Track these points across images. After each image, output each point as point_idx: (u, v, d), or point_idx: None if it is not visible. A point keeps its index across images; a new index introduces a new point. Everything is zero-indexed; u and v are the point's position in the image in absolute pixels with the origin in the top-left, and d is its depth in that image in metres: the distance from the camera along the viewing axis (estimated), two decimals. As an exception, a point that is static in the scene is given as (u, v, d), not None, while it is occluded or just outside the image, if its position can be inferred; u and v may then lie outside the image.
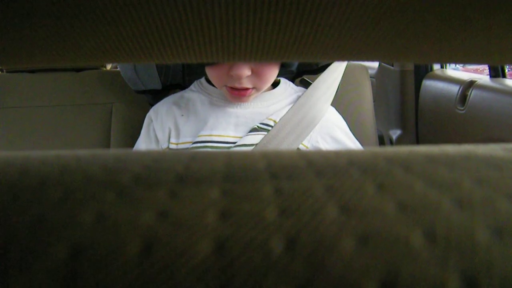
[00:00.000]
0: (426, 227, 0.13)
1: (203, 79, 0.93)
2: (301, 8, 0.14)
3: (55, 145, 1.11)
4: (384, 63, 1.72)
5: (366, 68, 1.34)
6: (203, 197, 0.14)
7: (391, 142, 1.63)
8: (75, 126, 1.12)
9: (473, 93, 1.18)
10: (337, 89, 1.04)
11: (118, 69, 1.11)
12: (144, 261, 0.11)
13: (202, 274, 0.11)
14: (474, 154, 0.19)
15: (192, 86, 0.94)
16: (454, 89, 1.25)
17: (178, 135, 0.87)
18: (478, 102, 1.16)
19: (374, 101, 1.92)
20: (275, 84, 0.92)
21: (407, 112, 1.55)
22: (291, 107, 0.87)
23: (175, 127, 0.88)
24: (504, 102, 1.05)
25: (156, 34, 0.15)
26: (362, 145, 1.18)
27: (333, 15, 0.14)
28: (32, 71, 1.17)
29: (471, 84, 1.20)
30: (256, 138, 0.83)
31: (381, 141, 1.68)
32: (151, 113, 0.93)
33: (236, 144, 0.83)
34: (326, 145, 0.89)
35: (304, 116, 0.88)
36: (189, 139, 0.85)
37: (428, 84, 1.44)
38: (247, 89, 0.80)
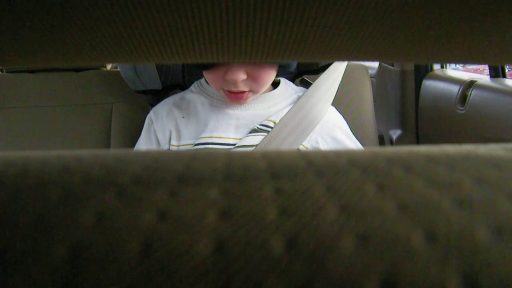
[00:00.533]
0: (426, 227, 0.13)
1: (203, 80, 0.93)
2: (301, 8, 0.14)
3: (55, 145, 1.11)
4: (384, 63, 1.72)
5: (366, 68, 1.34)
6: (203, 197, 0.14)
7: (391, 142, 1.63)
8: (75, 126, 1.12)
9: (473, 93, 1.18)
10: (338, 89, 1.04)
11: (118, 69, 1.11)
12: (144, 261, 0.11)
13: (202, 274, 0.11)
14: (475, 154, 0.19)
15: (192, 87, 0.93)
16: (454, 89, 1.25)
17: (179, 137, 0.87)
18: (478, 102, 1.16)
19: (374, 101, 1.92)
20: (275, 84, 0.92)
21: (407, 112, 1.55)
22: (291, 108, 0.87)
23: (176, 129, 0.87)
24: (504, 102, 1.05)
25: (156, 34, 0.15)
26: (362, 145, 1.17)
27: (333, 14, 0.14)
28: (32, 71, 1.17)
29: (471, 84, 1.20)
30: (256, 139, 0.83)
31: (381, 141, 1.68)
32: (151, 114, 0.92)
33: (236, 145, 0.83)
34: (326, 146, 0.89)
35: (305, 116, 0.88)
36: (190, 141, 0.85)
37: (428, 84, 1.44)
38: (243, 92, 0.80)
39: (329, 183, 0.15)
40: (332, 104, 0.96)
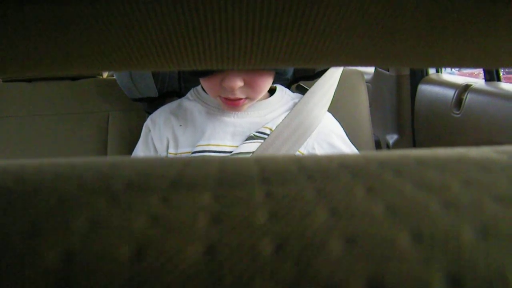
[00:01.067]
0: (413, 228, 0.13)
1: (199, 87, 0.93)
2: (295, 14, 0.14)
3: (52, 154, 1.11)
4: (380, 68, 1.73)
5: (362, 73, 1.34)
6: (195, 202, 0.15)
7: (388, 147, 1.63)
8: (72, 135, 1.12)
9: (468, 97, 1.19)
10: (334, 94, 1.04)
11: (114, 77, 1.11)
12: (135, 265, 0.12)
13: (192, 277, 0.11)
14: (466, 157, 0.19)
15: (189, 95, 0.94)
16: (450, 93, 1.26)
17: (176, 145, 0.87)
18: (474, 105, 1.16)
19: (370, 106, 1.93)
20: (272, 91, 0.92)
21: (403, 117, 1.56)
22: (288, 114, 0.87)
23: (173, 137, 0.88)
24: (499, 106, 1.06)
25: (152, 42, 0.16)
26: (359, 150, 1.17)
27: (328, 20, 0.14)
28: (29, 80, 1.17)
29: (466, 88, 1.21)
30: (252, 146, 0.83)
31: (378, 145, 1.69)
32: (148, 122, 0.93)
33: (233, 153, 0.84)
34: (322, 151, 0.89)
35: (301, 123, 0.88)
36: (188, 149, 0.86)
37: (424, 88, 1.45)
38: (240, 99, 0.80)
39: (319, 186, 0.16)
40: (329, 109, 0.96)
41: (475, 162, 0.19)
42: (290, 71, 0.93)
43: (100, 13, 0.13)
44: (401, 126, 1.57)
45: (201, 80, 0.82)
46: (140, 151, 0.92)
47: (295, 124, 0.87)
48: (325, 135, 0.90)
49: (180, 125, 0.88)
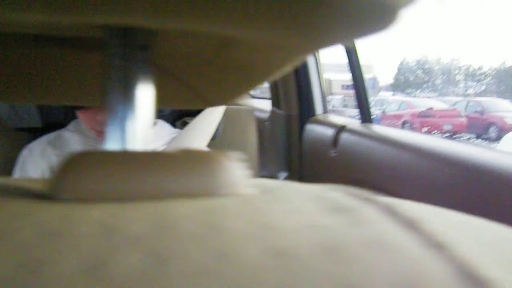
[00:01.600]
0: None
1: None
2: None
3: None
4: (274, 107, 1.78)
5: (252, 111, 1.37)
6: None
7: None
8: None
9: (343, 137, 1.24)
10: (220, 131, 1.07)
11: None
12: None
13: None
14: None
15: (69, 126, 0.93)
16: (329, 132, 1.31)
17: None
18: (347, 145, 1.21)
19: (267, 144, 1.96)
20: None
21: (292, 155, 1.59)
22: (165, 147, 0.88)
23: (49, 168, 0.87)
24: (369, 146, 1.11)
25: (18, 76, 0.16)
26: None
27: None
28: None
29: (342, 128, 1.27)
30: None
31: None
32: (25, 152, 0.91)
33: None
34: None
35: None
36: None
37: (310, 128, 1.50)
38: None
39: None
40: (216, 145, 1.00)
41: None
42: (167, 109, 0.93)
43: None
44: (290, 163, 1.61)
45: (78, 113, 0.83)
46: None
47: None
48: None
49: (57, 156, 0.88)
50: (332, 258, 0.14)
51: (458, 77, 28.82)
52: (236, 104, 2.27)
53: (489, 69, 27.84)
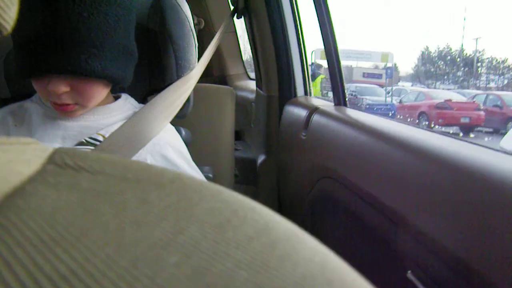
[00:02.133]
0: None
1: None
2: None
3: None
4: (257, 87, 1.72)
5: (232, 92, 1.33)
6: None
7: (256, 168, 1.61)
8: None
9: (314, 119, 1.18)
10: (188, 109, 1.04)
11: None
12: None
13: None
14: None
15: (33, 97, 0.91)
16: (303, 114, 1.25)
17: None
18: (317, 128, 1.16)
19: (252, 126, 1.92)
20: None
21: (271, 137, 1.54)
22: (124, 123, 0.84)
23: (6, 136, 0.84)
24: (336, 130, 1.05)
25: None
26: (218, 166, 1.15)
27: None
28: None
29: (315, 110, 1.21)
30: None
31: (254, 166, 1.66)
32: None
33: None
34: (155, 164, 0.86)
35: (136, 133, 0.85)
36: None
37: (288, 109, 1.44)
38: (68, 105, 0.79)
39: None
40: (193, 123, 0.98)
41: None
42: (127, 81, 0.89)
43: None
44: (269, 146, 1.56)
45: (32, 82, 0.80)
46: None
47: (129, 134, 0.84)
48: (160, 147, 0.89)
49: (15, 125, 0.87)
50: None
51: (480, 70, 28.13)
52: (216, 83, 2.24)
53: (514, 63, 27.09)
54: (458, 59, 29.32)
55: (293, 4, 1.48)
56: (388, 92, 12.19)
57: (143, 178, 0.17)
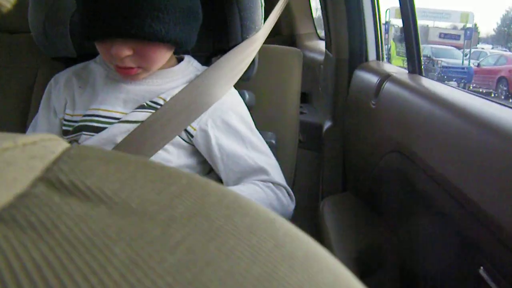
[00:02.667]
0: None
1: None
2: None
3: None
4: (327, 49, 1.64)
5: (300, 53, 1.27)
6: None
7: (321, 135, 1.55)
8: None
9: (386, 87, 1.10)
10: (253, 72, 1.00)
11: None
12: None
13: None
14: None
15: (97, 58, 0.93)
16: (374, 81, 1.17)
17: (73, 107, 0.88)
18: (388, 97, 1.08)
19: (320, 89, 1.84)
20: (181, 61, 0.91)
21: (338, 103, 1.47)
22: (185, 87, 0.84)
23: (71, 98, 0.89)
24: (409, 100, 0.97)
25: None
26: (282, 130, 1.12)
27: None
28: None
29: (387, 77, 1.12)
30: (141, 115, 0.82)
31: (319, 130, 1.60)
32: (52, 81, 0.93)
33: (120, 120, 0.82)
34: (216, 130, 0.86)
35: (198, 96, 0.84)
36: (82, 112, 0.86)
37: (358, 74, 1.36)
38: (131, 68, 0.79)
39: None
40: (257, 86, 0.96)
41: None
42: (190, 44, 0.87)
43: None
44: (335, 113, 1.49)
45: (96, 45, 0.81)
46: (41, 109, 0.94)
47: (191, 97, 0.84)
48: (222, 112, 0.87)
49: (80, 87, 0.89)
50: None
51: None
52: (285, 43, 2.15)
53: None
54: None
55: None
56: (466, 55, 11.33)
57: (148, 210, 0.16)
